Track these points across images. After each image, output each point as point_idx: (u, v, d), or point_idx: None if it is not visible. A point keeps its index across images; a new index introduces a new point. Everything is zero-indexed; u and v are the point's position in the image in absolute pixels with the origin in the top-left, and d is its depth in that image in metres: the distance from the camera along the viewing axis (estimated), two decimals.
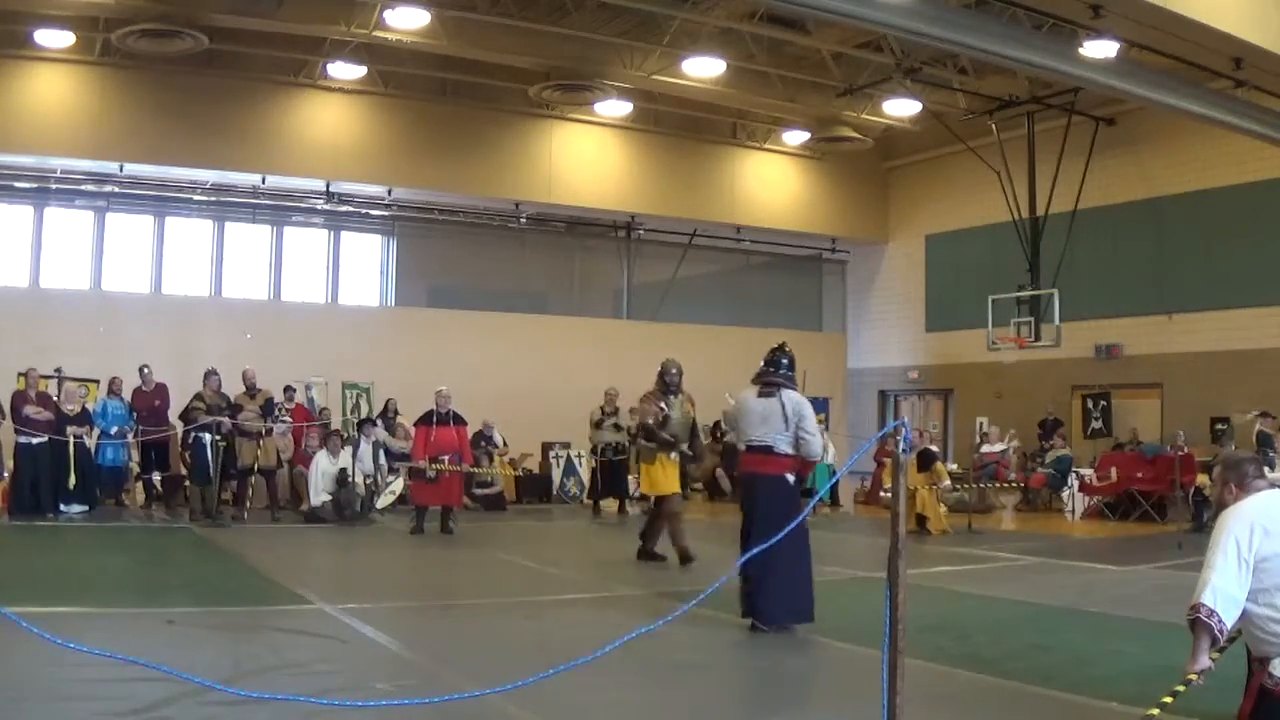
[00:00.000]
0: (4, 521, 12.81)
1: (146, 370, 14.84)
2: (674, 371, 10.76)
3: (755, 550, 4.87)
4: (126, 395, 14.77)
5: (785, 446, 7.43)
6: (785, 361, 7.71)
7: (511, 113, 19.54)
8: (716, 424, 18.14)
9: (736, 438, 8.06)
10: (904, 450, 4.09)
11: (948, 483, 15.21)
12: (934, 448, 16.62)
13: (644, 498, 16.62)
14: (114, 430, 14.34)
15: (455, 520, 13.36)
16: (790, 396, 7.51)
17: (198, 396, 13.70)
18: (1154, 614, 7.87)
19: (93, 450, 14.15)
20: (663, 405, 10.72)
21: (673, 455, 10.75)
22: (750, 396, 7.67)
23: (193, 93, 17.02)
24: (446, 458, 13.24)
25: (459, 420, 13.58)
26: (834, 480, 16.51)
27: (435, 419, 13.31)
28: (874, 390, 23.81)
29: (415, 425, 13.75)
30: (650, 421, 10.73)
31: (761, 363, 7.78)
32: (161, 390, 14.76)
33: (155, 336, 17.00)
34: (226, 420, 13.45)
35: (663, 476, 10.74)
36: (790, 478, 7.40)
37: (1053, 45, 13.79)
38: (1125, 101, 16.92)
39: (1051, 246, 18.77)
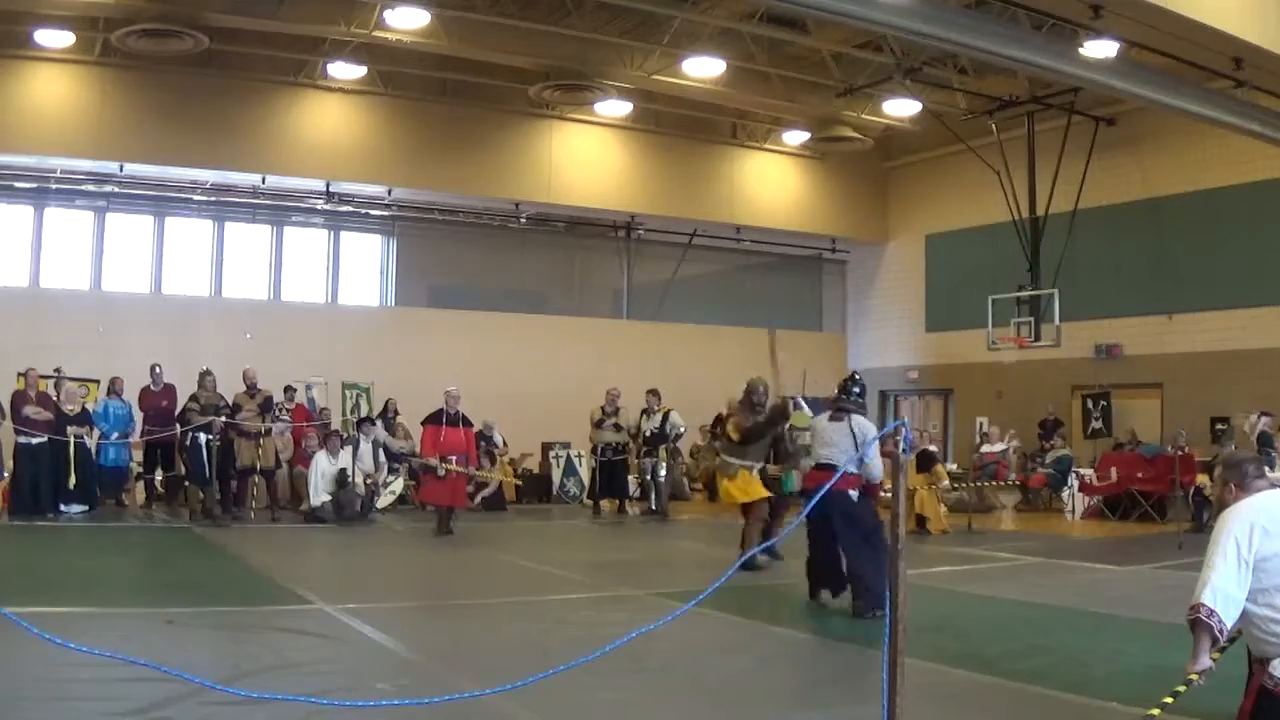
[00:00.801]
0: (4, 521, 12.82)
1: (158, 370, 14.83)
2: (761, 390, 10.83)
3: (752, 546, 5.03)
4: (129, 395, 14.79)
5: (849, 466, 7.98)
6: (856, 390, 8.53)
7: (511, 113, 19.54)
8: (716, 420, 18.13)
9: (813, 455, 8.80)
10: (904, 450, 4.08)
11: (946, 483, 15.13)
12: (933, 448, 16.58)
13: (643, 497, 16.77)
14: (114, 436, 14.35)
15: (455, 520, 13.34)
16: (859, 422, 8.28)
17: (192, 397, 13.74)
18: (1154, 614, 7.87)
19: (93, 450, 14.17)
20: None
21: (754, 470, 10.64)
22: (824, 420, 8.55)
23: (193, 93, 17.01)
24: (454, 458, 13.21)
25: (466, 422, 13.54)
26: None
27: (445, 419, 13.28)
28: (874, 390, 23.79)
29: (424, 424, 13.68)
30: (748, 425, 10.66)
31: (836, 390, 8.61)
32: (169, 391, 14.78)
33: (155, 336, 16.99)
34: (219, 420, 13.46)
35: (748, 486, 10.53)
36: (853, 494, 8.10)
37: (1053, 45, 13.78)
38: (1125, 101, 16.91)
39: (1051, 246, 18.75)
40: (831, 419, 8.41)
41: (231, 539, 11.97)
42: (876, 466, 8.20)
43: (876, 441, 8.09)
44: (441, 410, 13.31)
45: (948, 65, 18.09)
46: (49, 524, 12.67)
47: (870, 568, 7.83)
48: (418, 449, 16.70)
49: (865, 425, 8.25)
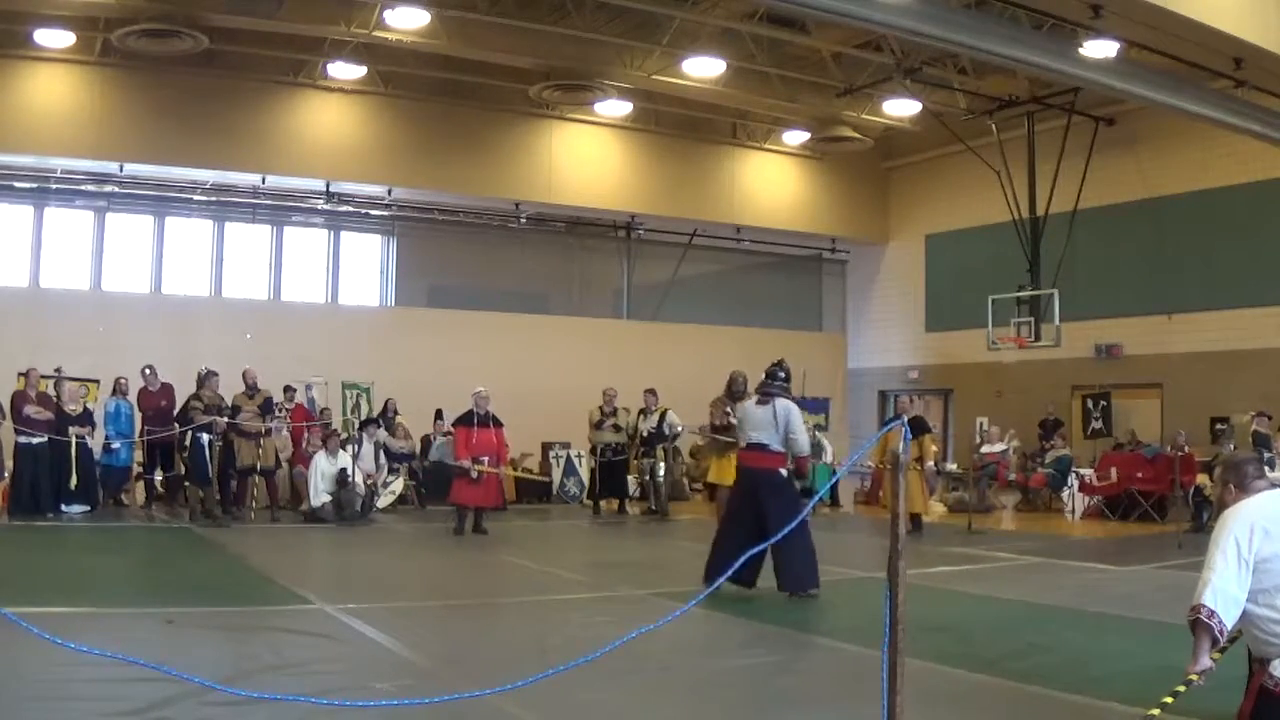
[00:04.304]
0: (4, 521, 12.82)
1: (149, 371, 14.85)
2: (740, 381, 11.92)
3: (759, 546, 5.26)
4: (131, 396, 14.81)
5: (777, 445, 8.72)
6: (781, 375, 9.04)
7: (511, 113, 19.54)
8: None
9: (741, 438, 9.26)
10: (904, 451, 4.09)
11: (932, 464, 14.51)
12: (924, 417, 15.94)
13: (643, 497, 16.82)
14: (114, 444, 14.37)
15: (487, 519, 13.39)
16: (781, 403, 8.78)
17: (195, 396, 13.73)
18: (1154, 614, 7.87)
19: (99, 451, 14.18)
20: (728, 410, 11.79)
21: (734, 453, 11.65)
22: (751, 404, 9.10)
23: (193, 93, 17.01)
24: (486, 459, 13.26)
25: (497, 422, 13.58)
26: (834, 480, 16.52)
27: (475, 420, 13.32)
28: (874, 390, 23.80)
29: (455, 426, 13.75)
30: (716, 422, 12.17)
31: (763, 375, 9.12)
32: (167, 390, 14.79)
33: (155, 336, 16.98)
34: (221, 420, 13.47)
35: (726, 468, 11.66)
36: (783, 471, 8.75)
37: (1053, 45, 13.78)
38: (1125, 101, 16.91)
39: (1051, 246, 18.76)
40: (758, 404, 8.94)
41: (231, 539, 11.96)
42: (801, 441, 8.75)
43: (800, 417, 8.85)
44: (472, 412, 13.37)
45: (948, 65, 18.09)
46: (49, 524, 12.67)
47: (790, 547, 8.29)
48: (417, 449, 16.78)
49: (788, 406, 8.78)
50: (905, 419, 13.28)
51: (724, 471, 11.81)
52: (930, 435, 14.80)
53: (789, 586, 8.50)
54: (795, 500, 8.84)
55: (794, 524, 8.30)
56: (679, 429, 16.42)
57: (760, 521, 8.39)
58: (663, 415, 16.27)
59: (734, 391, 11.91)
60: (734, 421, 11.43)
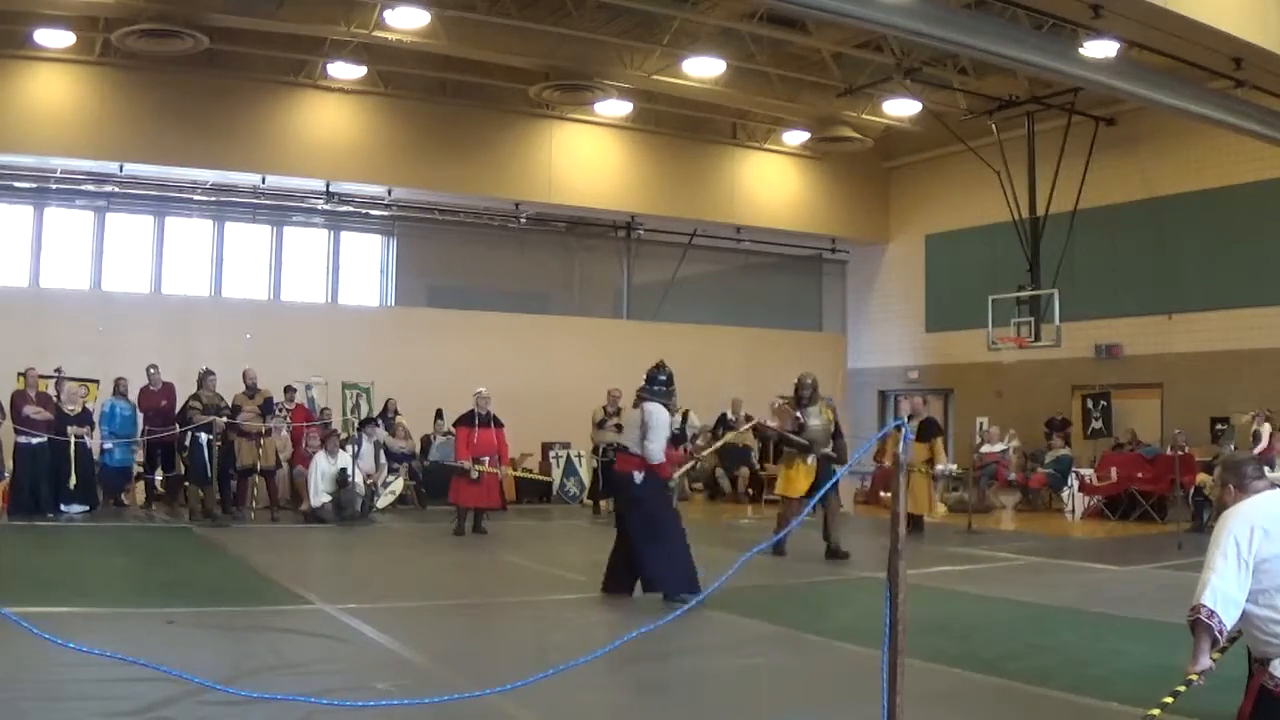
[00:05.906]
0: (4, 521, 12.82)
1: (154, 370, 14.87)
2: (808, 384, 11.67)
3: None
4: (130, 396, 14.80)
5: (635, 449, 8.46)
6: (661, 378, 8.75)
7: (511, 113, 19.53)
8: (719, 421, 18.16)
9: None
10: (904, 453, 4.09)
11: (942, 466, 14.54)
12: (936, 419, 15.94)
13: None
14: (110, 445, 14.36)
15: (488, 519, 13.43)
16: (647, 407, 8.52)
17: (194, 397, 13.74)
18: (1154, 614, 7.87)
19: (96, 451, 14.17)
20: (798, 415, 11.56)
21: (809, 459, 11.43)
22: (630, 407, 8.95)
23: (193, 93, 17.01)
24: (487, 459, 13.28)
25: (497, 423, 13.59)
26: (834, 480, 16.47)
27: (476, 420, 13.34)
28: (874, 390, 23.80)
29: (456, 426, 13.79)
30: (789, 429, 11.65)
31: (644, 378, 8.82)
32: (168, 390, 14.81)
33: (155, 336, 17.00)
34: (220, 420, 13.48)
35: (793, 478, 11.48)
36: (637, 475, 8.39)
37: (1053, 45, 13.78)
38: (1125, 101, 16.91)
39: (1051, 246, 18.75)
40: (634, 405, 8.77)
41: (231, 539, 11.97)
42: (653, 449, 8.33)
43: (662, 423, 8.42)
44: (473, 412, 13.40)
45: (948, 65, 18.08)
46: (49, 524, 12.67)
47: (650, 555, 8.20)
48: (417, 449, 16.77)
49: (652, 410, 8.48)
50: (907, 420, 13.28)
51: (791, 483, 11.55)
52: (942, 440, 14.72)
53: (649, 588, 8.25)
54: (651, 509, 8.43)
55: (650, 530, 8.28)
56: (697, 428, 16.39)
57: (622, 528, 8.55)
58: (685, 416, 16.23)
59: (800, 396, 11.61)
60: (809, 424, 11.45)
